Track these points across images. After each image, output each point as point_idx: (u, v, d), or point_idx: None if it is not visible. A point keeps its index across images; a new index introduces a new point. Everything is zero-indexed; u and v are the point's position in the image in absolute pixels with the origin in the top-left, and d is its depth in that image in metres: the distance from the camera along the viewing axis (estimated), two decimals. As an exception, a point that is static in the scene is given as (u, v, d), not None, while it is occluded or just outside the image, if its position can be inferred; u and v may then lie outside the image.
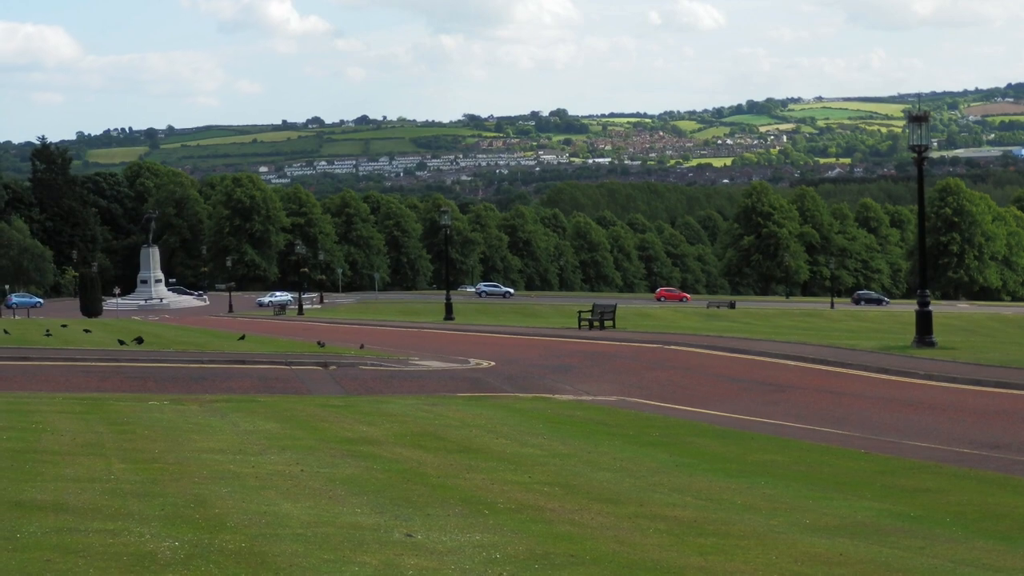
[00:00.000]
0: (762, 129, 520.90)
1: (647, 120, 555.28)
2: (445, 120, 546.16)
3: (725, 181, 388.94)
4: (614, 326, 52.83)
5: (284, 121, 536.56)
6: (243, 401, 22.98)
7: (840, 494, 12.70)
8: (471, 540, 9.49)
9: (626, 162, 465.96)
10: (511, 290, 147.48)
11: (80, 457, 13.85)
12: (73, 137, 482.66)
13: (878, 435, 19.00)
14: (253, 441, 16.09)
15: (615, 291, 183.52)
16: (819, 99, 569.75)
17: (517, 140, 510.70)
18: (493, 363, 34.64)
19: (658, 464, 14.97)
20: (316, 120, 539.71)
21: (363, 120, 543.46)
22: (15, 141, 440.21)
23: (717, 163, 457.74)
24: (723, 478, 13.74)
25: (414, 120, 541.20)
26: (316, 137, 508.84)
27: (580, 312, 55.88)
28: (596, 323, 52.71)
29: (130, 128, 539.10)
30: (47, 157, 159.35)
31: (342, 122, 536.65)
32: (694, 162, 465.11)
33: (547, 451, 16.20)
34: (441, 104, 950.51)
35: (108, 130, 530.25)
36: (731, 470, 14.48)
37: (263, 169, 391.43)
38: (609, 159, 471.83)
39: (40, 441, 15.28)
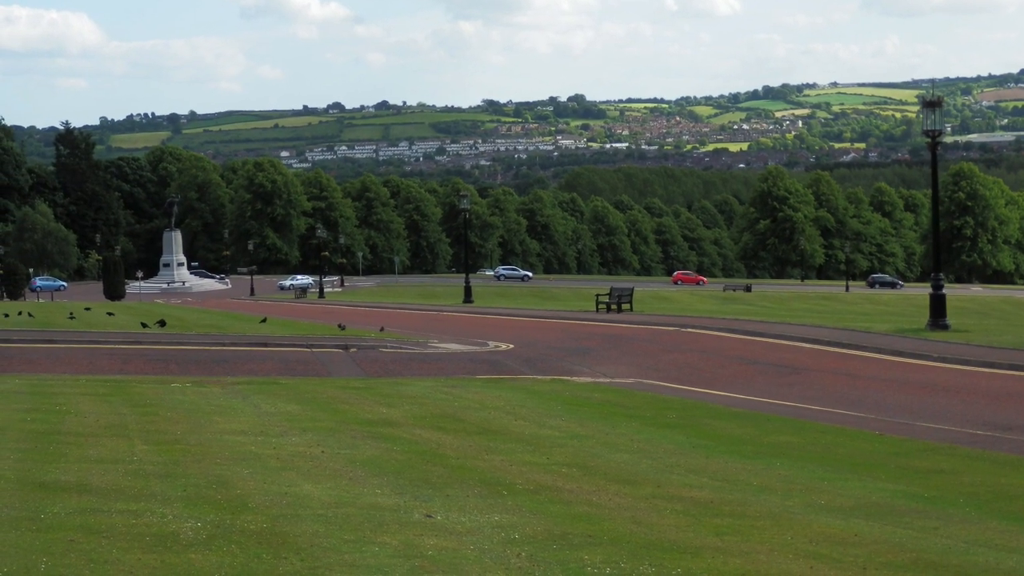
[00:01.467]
0: (778, 114, 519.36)
1: (664, 105, 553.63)
2: (464, 105, 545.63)
3: (741, 166, 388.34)
4: (631, 309, 52.84)
5: (305, 106, 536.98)
6: (265, 383, 23.13)
7: (855, 475, 12.77)
8: (490, 521, 9.58)
9: (643, 147, 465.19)
10: (529, 273, 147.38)
11: (103, 439, 13.98)
12: (96, 122, 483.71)
13: (893, 417, 19.05)
14: (274, 423, 16.23)
15: (632, 274, 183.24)
16: (834, 85, 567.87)
17: (535, 125, 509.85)
18: (512, 346, 34.73)
19: (675, 446, 15.06)
20: (337, 105, 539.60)
21: (383, 105, 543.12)
22: (39, 126, 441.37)
23: (733, 148, 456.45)
24: (739, 459, 13.83)
25: (433, 105, 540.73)
26: (337, 122, 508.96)
27: (598, 295, 55.90)
28: (614, 306, 52.76)
29: (153, 113, 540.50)
30: (71, 142, 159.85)
31: (362, 107, 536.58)
32: (710, 147, 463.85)
33: (565, 433, 16.31)
34: (460, 90, 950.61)
35: (131, 115, 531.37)
36: (747, 451, 14.57)
37: (284, 154, 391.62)
38: (626, 144, 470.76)
39: (64, 423, 15.45)
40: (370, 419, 17.17)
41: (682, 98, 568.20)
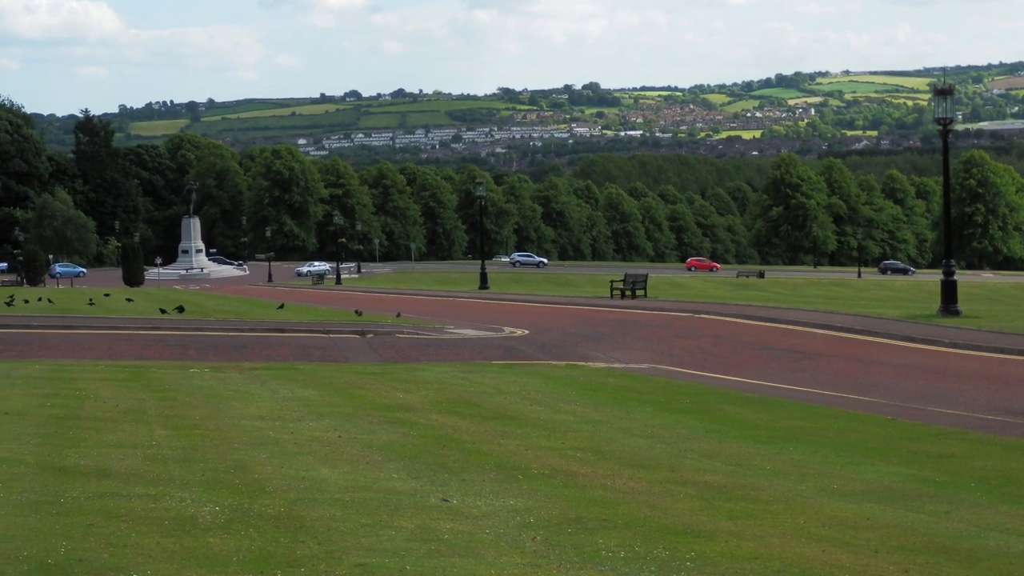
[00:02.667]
0: (790, 102, 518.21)
1: (678, 93, 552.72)
2: (480, 93, 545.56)
3: (754, 153, 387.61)
4: (645, 295, 52.88)
5: (322, 94, 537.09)
6: (282, 369, 23.24)
7: (867, 460, 12.82)
8: (506, 505, 9.66)
9: (657, 135, 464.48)
10: (545, 260, 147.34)
11: (122, 423, 14.09)
12: (115, 110, 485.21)
13: (904, 402, 19.08)
14: (292, 408, 16.32)
15: (646, 261, 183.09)
16: (846, 73, 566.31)
17: (551, 113, 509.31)
18: (527, 331, 34.79)
19: (688, 430, 15.13)
20: (353, 93, 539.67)
21: (399, 93, 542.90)
22: (59, 114, 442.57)
23: (746, 135, 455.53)
24: (752, 444, 13.89)
25: (449, 93, 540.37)
26: (353, 110, 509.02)
27: (612, 281, 55.93)
28: (628, 292, 52.80)
29: (171, 101, 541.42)
30: (90, 130, 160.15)
31: (379, 95, 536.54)
32: (724, 135, 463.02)
33: (579, 417, 16.39)
34: (476, 78, 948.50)
35: (150, 103, 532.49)
36: (760, 436, 14.62)
37: (302, 141, 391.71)
38: (640, 132, 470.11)
39: (83, 408, 15.57)
40: (386, 404, 17.26)
41: (696, 86, 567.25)
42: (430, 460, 12.01)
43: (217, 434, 13.41)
